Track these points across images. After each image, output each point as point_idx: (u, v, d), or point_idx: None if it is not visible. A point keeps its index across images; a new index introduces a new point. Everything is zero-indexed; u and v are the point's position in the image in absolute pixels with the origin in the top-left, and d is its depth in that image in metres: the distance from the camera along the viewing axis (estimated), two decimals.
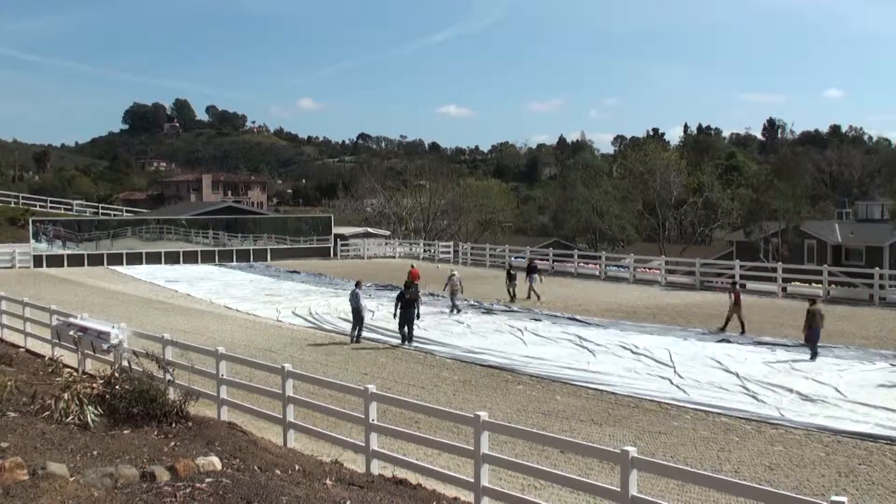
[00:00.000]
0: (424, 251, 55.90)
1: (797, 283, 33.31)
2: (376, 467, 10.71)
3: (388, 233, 65.46)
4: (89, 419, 10.63)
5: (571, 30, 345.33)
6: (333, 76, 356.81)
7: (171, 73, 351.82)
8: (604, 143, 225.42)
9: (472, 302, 29.18)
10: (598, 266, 42.04)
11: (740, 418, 14.19)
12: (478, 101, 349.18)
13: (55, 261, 45.83)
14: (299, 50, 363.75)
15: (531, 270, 31.34)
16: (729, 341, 21.47)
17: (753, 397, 15.55)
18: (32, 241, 46.61)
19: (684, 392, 16.05)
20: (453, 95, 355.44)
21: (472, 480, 9.49)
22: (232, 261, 50.04)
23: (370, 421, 10.86)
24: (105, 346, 15.89)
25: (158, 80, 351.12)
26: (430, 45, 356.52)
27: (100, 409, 11.06)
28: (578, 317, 25.79)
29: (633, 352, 20.23)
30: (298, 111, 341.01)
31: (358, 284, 23.41)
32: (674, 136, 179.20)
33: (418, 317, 22.34)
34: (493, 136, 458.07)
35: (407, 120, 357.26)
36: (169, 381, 13.01)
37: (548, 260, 44.99)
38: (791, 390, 15.94)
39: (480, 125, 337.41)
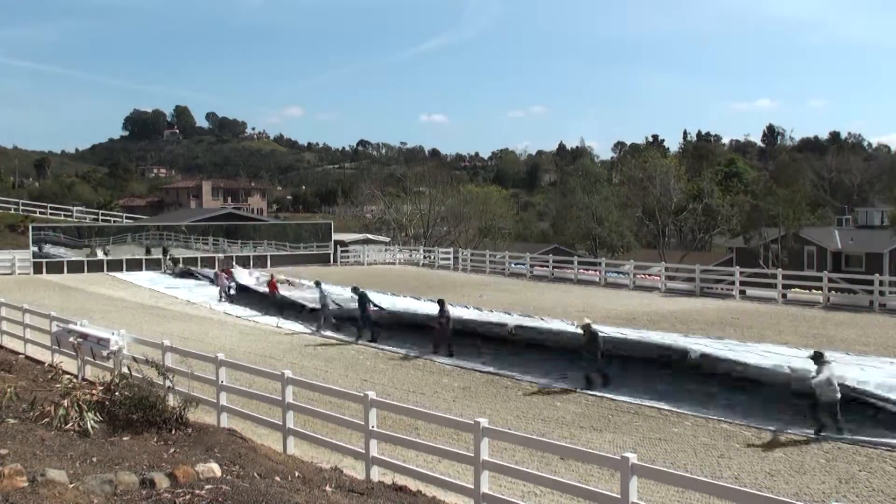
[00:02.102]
0: (424, 257, 55.91)
1: (797, 290, 33.30)
2: (376, 474, 10.69)
3: (387, 239, 65.45)
4: (89, 426, 10.63)
5: (560, 39, 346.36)
6: (327, 83, 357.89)
7: (171, 80, 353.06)
8: (597, 151, 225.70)
9: None
10: (598, 273, 42.01)
11: (740, 424, 14.17)
12: (465, 109, 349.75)
13: (55, 267, 45.81)
14: (296, 57, 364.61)
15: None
16: None
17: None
18: (33, 247, 46.53)
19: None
20: (441, 103, 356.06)
21: (472, 487, 9.48)
22: (232, 267, 49.99)
23: (370, 427, 10.85)
24: (105, 353, 15.88)
25: (158, 88, 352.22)
26: (420, 53, 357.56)
27: (99, 416, 11.05)
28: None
29: None
30: (298, 118, 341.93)
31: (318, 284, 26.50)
32: (669, 143, 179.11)
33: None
34: (476, 144, 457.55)
35: (400, 127, 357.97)
36: (168, 387, 13.01)
37: (548, 266, 45.02)
38: None
39: (469, 132, 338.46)
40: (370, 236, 63.34)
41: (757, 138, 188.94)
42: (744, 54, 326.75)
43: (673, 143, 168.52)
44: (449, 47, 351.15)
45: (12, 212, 65.44)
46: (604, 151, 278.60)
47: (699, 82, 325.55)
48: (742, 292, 33.76)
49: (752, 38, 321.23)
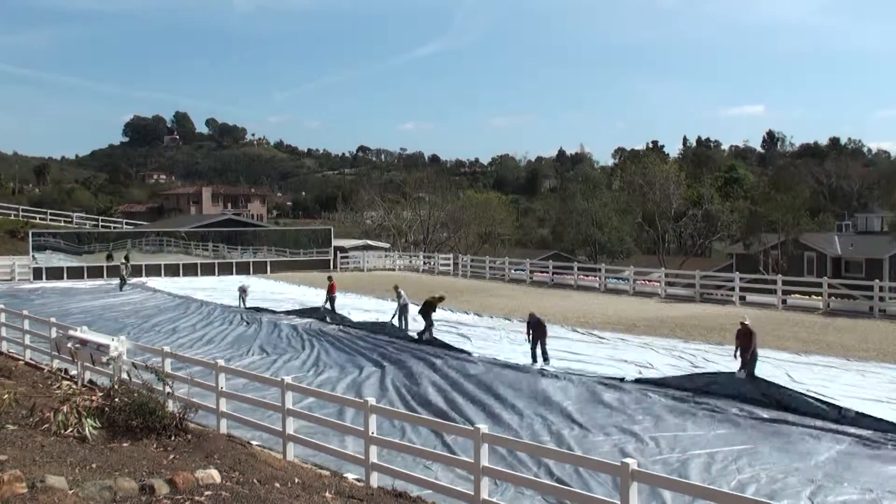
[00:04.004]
0: (424, 263, 55.93)
1: (797, 296, 33.30)
2: (376, 480, 10.68)
3: (387, 245, 65.48)
4: (87, 432, 10.61)
5: (555, 46, 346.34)
6: (315, 90, 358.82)
7: (171, 86, 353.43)
8: (597, 156, 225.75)
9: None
10: (597, 278, 42.05)
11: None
12: (457, 116, 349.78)
13: (55, 273, 45.81)
14: (288, 64, 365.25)
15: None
16: None
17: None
18: (33, 253, 46.52)
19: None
20: (435, 109, 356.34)
21: (472, 493, 9.47)
22: (232, 273, 50.06)
23: (370, 433, 10.83)
24: (104, 359, 15.86)
25: (159, 94, 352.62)
26: (412, 60, 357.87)
27: (99, 422, 11.04)
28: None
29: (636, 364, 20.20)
30: (294, 124, 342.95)
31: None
32: (669, 149, 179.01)
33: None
34: (473, 150, 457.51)
35: (394, 133, 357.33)
36: (168, 393, 13.00)
37: (548, 272, 45.06)
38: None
39: (464, 139, 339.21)
40: (370, 242, 63.35)
41: (757, 144, 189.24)
42: (743, 61, 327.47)
43: (673, 149, 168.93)
44: (440, 55, 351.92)
45: (12, 217, 65.46)
46: (603, 157, 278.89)
47: (697, 88, 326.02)
48: (742, 298, 33.76)
49: (748, 44, 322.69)
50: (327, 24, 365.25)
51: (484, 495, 9.34)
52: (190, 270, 49.48)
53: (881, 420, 13.83)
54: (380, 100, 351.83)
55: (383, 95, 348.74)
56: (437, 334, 23.62)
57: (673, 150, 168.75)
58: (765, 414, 14.60)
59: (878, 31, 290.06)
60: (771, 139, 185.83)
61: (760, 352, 20.91)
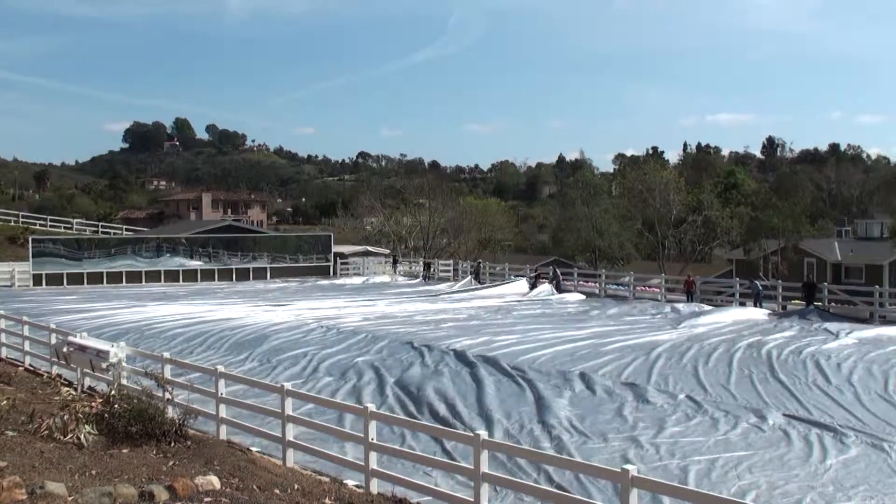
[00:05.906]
0: (424, 269, 55.90)
1: (797, 302, 33.27)
2: (375, 486, 10.65)
3: (388, 251, 65.46)
4: (83, 438, 10.60)
5: (548, 52, 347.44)
6: (305, 97, 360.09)
7: (171, 93, 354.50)
8: (597, 162, 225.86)
9: None
10: (597, 284, 42.00)
11: None
12: (449, 121, 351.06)
13: (55, 279, 45.78)
14: (289, 69, 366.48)
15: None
16: None
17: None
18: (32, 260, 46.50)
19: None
20: (431, 115, 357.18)
21: (472, 500, 9.46)
22: (232, 279, 50.00)
23: (370, 440, 10.82)
24: (104, 365, 15.84)
25: (159, 100, 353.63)
26: (409, 65, 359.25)
27: (98, 429, 11.03)
28: None
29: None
30: (293, 130, 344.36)
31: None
32: (669, 155, 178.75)
33: None
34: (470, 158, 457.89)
35: (392, 139, 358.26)
36: (167, 399, 12.98)
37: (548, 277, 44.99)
38: None
39: (461, 147, 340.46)
40: (370, 248, 63.35)
41: (757, 150, 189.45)
42: (743, 66, 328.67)
43: (673, 155, 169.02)
44: (436, 60, 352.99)
45: (12, 224, 65.44)
46: (603, 163, 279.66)
47: (692, 94, 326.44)
48: (742, 304, 33.74)
49: (736, 50, 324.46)
50: (323, 29, 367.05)
51: (484, 502, 9.32)
52: (190, 276, 49.42)
53: None
54: (376, 105, 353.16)
55: (380, 100, 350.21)
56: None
57: (673, 156, 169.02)
58: (768, 419, 14.59)
59: (861, 38, 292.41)
60: (771, 145, 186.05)
61: None
